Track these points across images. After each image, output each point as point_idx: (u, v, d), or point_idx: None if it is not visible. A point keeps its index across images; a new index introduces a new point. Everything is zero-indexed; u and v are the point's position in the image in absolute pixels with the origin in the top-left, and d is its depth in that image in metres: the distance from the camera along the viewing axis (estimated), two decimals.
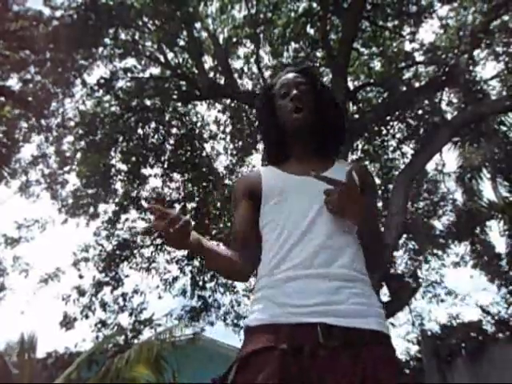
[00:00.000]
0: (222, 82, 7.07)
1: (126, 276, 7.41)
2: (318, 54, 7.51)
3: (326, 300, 0.94)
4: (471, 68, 6.71)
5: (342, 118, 1.29)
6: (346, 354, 0.88)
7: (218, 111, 7.98)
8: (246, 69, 7.60)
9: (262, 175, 1.19)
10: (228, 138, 7.96)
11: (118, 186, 7.41)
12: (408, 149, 7.88)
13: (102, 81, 6.76)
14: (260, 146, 7.46)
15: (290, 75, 1.25)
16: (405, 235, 8.18)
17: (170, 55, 7.16)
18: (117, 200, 7.39)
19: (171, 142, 7.40)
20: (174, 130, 7.53)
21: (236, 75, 7.30)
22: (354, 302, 0.96)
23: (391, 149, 8.08)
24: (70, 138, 7.26)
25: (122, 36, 6.88)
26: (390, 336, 0.99)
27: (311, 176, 1.05)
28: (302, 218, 1.05)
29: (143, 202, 7.45)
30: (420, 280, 8.81)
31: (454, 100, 7.49)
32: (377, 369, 0.88)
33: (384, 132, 7.71)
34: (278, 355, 0.89)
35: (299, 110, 1.17)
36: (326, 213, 1.06)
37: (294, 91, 1.19)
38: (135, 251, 7.54)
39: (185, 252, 7.65)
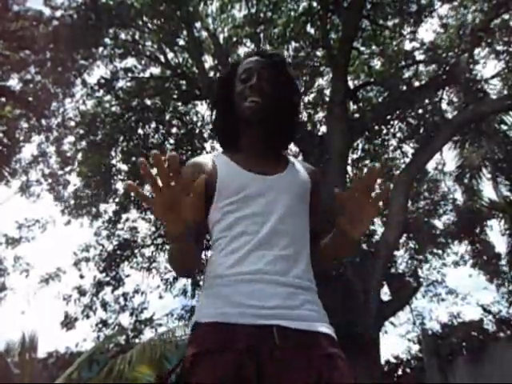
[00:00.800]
0: None
1: (127, 276, 7.42)
2: (318, 54, 7.51)
3: (281, 303, 0.94)
4: (472, 67, 6.71)
5: (297, 113, 1.21)
6: (301, 356, 0.89)
7: None
8: None
9: (218, 167, 1.09)
10: None
11: (119, 185, 7.42)
12: (408, 148, 7.89)
13: (103, 81, 6.76)
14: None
15: (254, 59, 1.16)
16: (405, 234, 8.18)
17: (170, 55, 7.18)
18: (117, 200, 7.40)
19: (171, 141, 7.39)
20: (175, 130, 7.53)
21: None
22: (307, 308, 0.97)
23: (392, 148, 8.08)
24: (71, 138, 7.28)
25: (122, 36, 6.88)
26: (336, 340, 1.00)
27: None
28: (262, 224, 1.01)
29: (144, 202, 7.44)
30: (421, 279, 8.81)
31: (455, 99, 7.49)
32: (331, 369, 0.90)
33: (384, 131, 7.71)
34: (232, 355, 0.87)
35: (255, 101, 1.09)
36: (287, 220, 1.03)
37: (254, 80, 1.11)
38: (136, 251, 7.54)
39: None
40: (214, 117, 1.23)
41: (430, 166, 8.44)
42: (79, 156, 7.24)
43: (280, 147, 1.19)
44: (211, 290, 1.00)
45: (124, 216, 7.55)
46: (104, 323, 7.09)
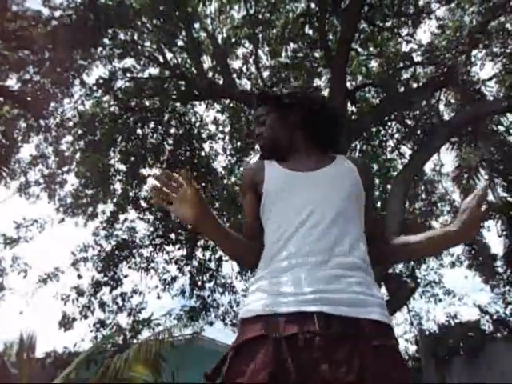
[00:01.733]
0: (221, 82, 7.09)
1: (125, 276, 7.41)
2: (317, 55, 7.53)
3: (323, 288, 0.92)
4: (469, 69, 6.74)
5: (330, 117, 1.31)
6: (344, 344, 0.86)
7: (217, 111, 8.00)
8: (244, 69, 7.62)
9: (266, 171, 1.20)
10: (227, 138, 7.98)
11: (117, 186, 7.42)
12: (406, 149, 7.92)
13: (101, 81, 6.76)
14: (258, 147, 7.47)
15: (255, 111, 1.34)
16: (403, 235, 8.19)
17: (169, 55, 7.17)
18: (115, 200, 7.40)
19: (170, 142, 7.40)
20: (173, 130, 7.54)
21: (235, 75, 7.31)
22: (353, 291, 0.93)
23: (389, 149, 8.11)
24: (69, 138, 7.28)
25: (121, 36, 6.88)
26: (392, 327, 0.96)
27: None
28: (301, 210, 1.05)
29: (142, 202, 7.46)
30: (418, 280, 8.83)
31: (452, 100, 7.52)
32: (376, 360, 0.86)
33: (382, 132, 7.74)
34: (270, 344, 0.87)
35: (262, 149, 1.29)
36: (326, 202, 1.06)
37: (256, 130, 1.30)
38: (134, 251, 7.54)
39: (184, 251, 7.66)
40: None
41: (428, 167, 8.48)
42: (77, 156, 7.24)
43: (324, 149, 1.28)
44: (255, 284, 1.03)
45: (122, 216, 7.56)
46: (102, 323, 7.08)
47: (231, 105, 7.84)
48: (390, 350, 0.91)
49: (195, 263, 7.68)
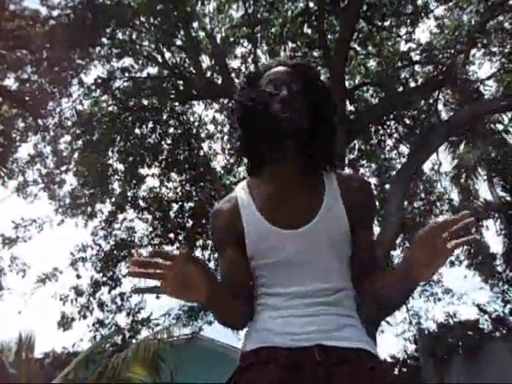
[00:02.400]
0: (220, 81, 7.08)
1: (124, 276, 7.40)
2: (315, 54, 7.53)
3: (321, 328, 0.96)
4: (468, 68, 6.75)
5: (333, 131, 1.07)
6: (343, 370, 0.90)
7: (216, 111, 8.00)
8: (243, 68, 7.62)
9: (245, 225, 1.02)
10: (225, 137, 7.97)
11: (116, 185, 7.42)
12: (405, 148, 7.93)
13: (100, 80, 6.75)
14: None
15: (281, 69, 1.05)
16: (401, 234, 8.21)
17: (168, 55, 7.17)
18: (114, 200, 7.39)
19: (168, 141, 7.40)
20: (172, 130, 7.53)
21: (233, 75, 7.31)
22: (347, 331, 0.97)
23: (388, 148, 8.12)
24: (67, 138, 7.27)
25: (119, 35, 6.88)
26: (379, 358, 1.01)
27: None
28: (294, 282, 0.99)
29: (141, 202, 7.45)
30: None
31: (451, 100, 7.52)
32: (373, 376, 0.91)
33: (381, 131, 7.74)
34: (276, 368, 0.91)
35: (287, 117, 0.98)
36: (323, 276, 1.00)
37: (284, 91, 0.99)
38: (133, 251, 7.53)
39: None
40: (239, 138, 1.06)
41: (427, 166, 8.48)
42: (76, 155, 7.23)
43: (312, 171, 1.05)
44: (252, 326, 1.03)
45: (121, 216, 7.55)
46: (101, 323, 7.08)
47: (230, 104, 7.83)
48: (383, 369, 0.99)
49: None
